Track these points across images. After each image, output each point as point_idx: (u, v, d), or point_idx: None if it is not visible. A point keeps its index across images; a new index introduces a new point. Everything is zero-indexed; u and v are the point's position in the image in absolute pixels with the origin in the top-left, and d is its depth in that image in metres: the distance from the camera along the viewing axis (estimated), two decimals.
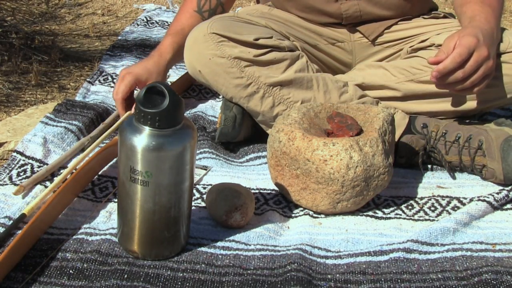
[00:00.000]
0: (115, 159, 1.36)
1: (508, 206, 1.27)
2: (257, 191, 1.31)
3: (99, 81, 1.87)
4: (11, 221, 1.13)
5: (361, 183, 1.20)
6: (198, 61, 1.42)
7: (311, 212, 1.25)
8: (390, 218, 1.25)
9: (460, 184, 1.36)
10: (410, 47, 1.52)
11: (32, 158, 1.35)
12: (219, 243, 1.12)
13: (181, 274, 1.03)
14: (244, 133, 1.50)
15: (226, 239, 1.14)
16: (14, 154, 1.36)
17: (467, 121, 1.45)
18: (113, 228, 1.13)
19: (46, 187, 1.26)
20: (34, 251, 1.06)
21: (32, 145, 1.38)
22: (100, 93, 1.79)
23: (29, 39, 2.10)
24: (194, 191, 1.28)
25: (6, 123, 1.53)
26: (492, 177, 1.35)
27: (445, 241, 1.15)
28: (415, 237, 1.14)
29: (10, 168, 1.32)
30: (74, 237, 1.11)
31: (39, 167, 1.33)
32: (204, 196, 1.28)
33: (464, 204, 1.28)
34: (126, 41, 2.26)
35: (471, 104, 1.44)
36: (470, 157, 1.37)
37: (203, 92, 1.85)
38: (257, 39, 1.40)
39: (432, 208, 1.28)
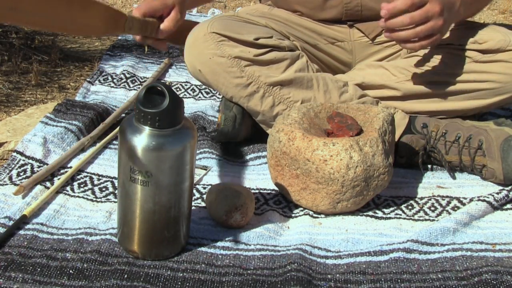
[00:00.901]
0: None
1: (508, 206, 1.27)
2: (257, 191, 1.31)
3: (99, 81, 1.87)
4: (11, 221, 1.13)
5: (361, 183, 1.20)
6: (198, 61, 1.42)
7: (311, 212, 1.25)
8: (390, 218, 1.25)
9: (460, 184, 1.36)
10: None
11: (32, 158, 1.35)
12: (219, 243, 1.12)
13: (181, 274, 1.03)
14: (244, 133, 1.50)
15: (226, 239, 1.14)
16: (14, 154, 1.36)
17: (467, 121, 1.45)
18: (113, 228, 1.13)
19: (46, 187, 1.26)
20: (34, 251, 1.06)
21: (32, 145, 1.38)
22: (100, 93, 1.79)
23: (29, 39, 2.10)
24: (194, 191, 1.28)
25: (6, 123, 1.53)
26: (492, 177, 1.35)
27: (445, 241, 1.15)
28: (415, 237, 1.14)
29: (10, 168, 1.32)
30: (74, 237, 1.11)
31: (39, 167, 1.33)
32: (204, 196, 1.28)
33: (464, 204, 1.28)
34: (126, 41, 2.26)
35: (471, 104, 1.44)
36: (470, 157, 1.37)
37: (203, 92, 1.85)
38: (257, 39, 1.40)
39: (432, 208, 1.28)
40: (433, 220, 1.24)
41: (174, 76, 1.96)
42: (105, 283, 0.99)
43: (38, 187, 1.25)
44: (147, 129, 0.99)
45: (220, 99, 1.61)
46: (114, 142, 1.48)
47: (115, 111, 1.62)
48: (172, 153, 1.01)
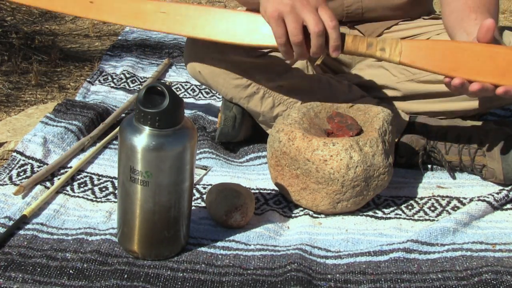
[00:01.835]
0: None
1: (508, 206, 1.27)
2: (257, 191, 1.31)
3: (99, 81, 1.87)
4: (11, 221, 1.13)
5: (361, 183, 1.20)
6: (197, 62, 1.42)
7: (311, 212, 1.25)
8: (390, 218, 1.25)
9: (460, 184, 1.36)
10: None
11: (32, 158, 1.35)
12: (219, 243, 1.12)
13: (181, 274, 1.03)
14: (244, 133, 1.50)
15: (226, 239, 1.14)
16: (14, 154, 1.36)
17: (467, 121, 1.45)
18: (113, 228, 1.13)
19: (46, 187, 1.26)
20: (34, 251, 1.06)
21: (32, 145, 1.38)
22: (100, 93, 1.79)
23: (29, 39, 2.10)
24: (194, 191, 1.28)
25: (6, 123, 1.53)
26: (492, 177, 1.35)
27: (445, 241, 1.15)
28: (415, 237, 1.14)
29: (10, 168, 1.32)
30: (74, 237, 1.11)
31: (39, 167, 1.33)
32: (204, 196, 1.28)
33: (464, 204, 1.28)
34: (126, 41, 2.27)
35: (471, 104, 1.44)
36: (470, 157, 1.37)
37: (203, 92, 1.85)
38: None
39: (432, 208, 1.28)
40: (433, 220, 1.24)
41: (174, 76, 1.96)
42: (105, 283, 0.99)
43: (38, 187, 1.25)
44: (147, 129, 0.99)
45: (220, 100, 1.61)
46: (114, 142, 1.48)
47: (115, 111, 1.62)
48: (172, 153, 1.01)
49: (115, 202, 1.24)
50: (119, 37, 2.32)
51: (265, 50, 1.40)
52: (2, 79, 1.85)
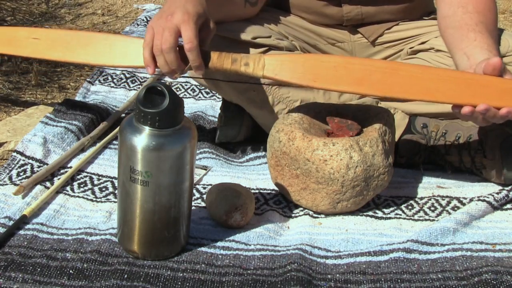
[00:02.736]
0: None
1: (508, 206, 1.27)
2: (257, 191, 1.31)
3: (99, 81, 1.87)
4: (11, 221, 1.13)
5: (361, 183, 1.20)
6: None
7: (311, 212, 1.25)
8: (390, 218, 1.25)
9: (460, 184, 1.36)
10: (410, 48, 1.52)
11: (32, 158, 1.35)
12: (219, 243, 1.12)
13: (181, 274, 1.03)
14: (244, 133, 1.49)
15: (226, 239, 1.14)
16: (14, 154, 1.36)
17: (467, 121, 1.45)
18: (113, 228, 1.13)
19: (46, 187, 1.26)
20: (34, 251, 1.06)
21: (32, 145, 1.38)
22: (100, 93, 1.79)
23: None
24: (194, 191, 1.28)
25: (6, 123, 1.53)
26: (492, 177, 1.35)
27: (445, 241, 1.15)
28: (415, 237, 1.14)
29: (10, 168, 1.32)
30: (74, 237, 1.11)
31: (39, 167, 1.33)
32: (204, 196, 1.28)
33: (464, 204, 1.28)
34: None
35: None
36: (470, 157, 1.37)
37: (203, 92, 1.85)
38: (255, 38, 1.40)
39: (432, 208, 1.28)
40: (433, 220, 1.24)
41: None
42: (105, 283, 0.99)
43: (38, 187, 1.25)
44: (147, 129, 0.99)
45: (220, 99, 1.61)
46: (114, 142, 1.48)
47: (115, 111, 1.62)
48: (172, 153, 1.01)
49: (115, 202, 1.24)
50: None
51: (263, 49, 1.40)
52: (2, 79, 1.85)
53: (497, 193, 1.28)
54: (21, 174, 1.30)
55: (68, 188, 1.28)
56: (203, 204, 1.25)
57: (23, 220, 1.14)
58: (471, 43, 1.21)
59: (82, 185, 1.30)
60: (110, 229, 1.13)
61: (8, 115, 1.64)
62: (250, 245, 1.13)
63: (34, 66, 1.89)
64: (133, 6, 2.82)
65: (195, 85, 1.87)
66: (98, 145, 1.44)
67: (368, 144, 1.20)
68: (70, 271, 1.02)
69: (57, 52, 1.34)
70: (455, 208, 1.27)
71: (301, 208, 1.27)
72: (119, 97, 1.78)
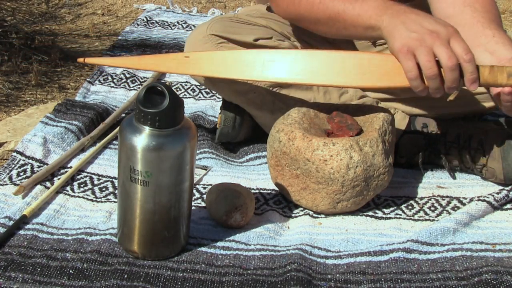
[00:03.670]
0: None
1: (508, 206, 1.27)
2: (257, 191, 1.31)
3: (99, 81, 1.87)
4: (11, 221, 1.13)
5: (361, 183, 1.20)
6: None
7: (311, 212, 1.25)
8: (390, 218, 1.25)
9: (460, 184, 1.36)
10: None
11: (32, 158, 1.35)
12: (219, 243, 1.12)
13: (181, 274, 1.03)
14: (244, 133, 1.49)
15: (226, 239, 1.14)
16: (14, 154, 1.36)
17: (467, 121, 1.45)
18: (113, 228, 1.13)
19: (46, 187, 1.26)
20: (34, 251, 1.06)
21: (32, 145, 1.38)
22: (100, 93, 1.79)
23: (29, 39, 2.10)
24: (194, 191, 1.28)
25: (6, 123, 1.53)
26: (492, 177, 1.35)
27: (445, 241, 1.15)
28: (415, 237, 1.14)
29: (10, 168, 1.32)
30: (74, 237, 1.11)
31: (39, 167, 1.33)
32: (204, 196, 1.28)
33: (464, 204, 1.28)
34: (126, 41, 2.27)
35: (471, 106, 1.44)
36: (470, 157, 1.37)
37: (203, 92, 1.85)
38: (256, 40, 1.40)
39: (432, 208, 1.28)
40: (433, 220, 1.24)
41: (174, 76, 1.96)
42: (105, 283, 0.99)
43: (38, 187, 1.25)
44: (147, 129, 0.99)
45: (220, 100, 1.61)
46: (114, 142, 1.48)
47: (115, 111, 1.62)
48: (172, 153, 1.01)
49: (115, 202, 1.24)
50: (119, 37, 2.32)
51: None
52: (2, 79, 1.85)
53: (497, 193, 1.28)
54: (21, 174, 1.30)
55: (68, 188, 1.28)
56: (203, 204, 1.25)
57: (23, 220, 1.14)
58: (490, 40, 1.19)
59: (82, 185, 1.30)
60: (110, 229, 1.13)
61: (8, 115, 1.64)
62: (250, 245, 1.13)
63: (34, 66, 1.89)
64: (133, 6, 2.82)
65: (195, 85, 1.87)
66: (98, 145, 1.44)
67: (368, 144, 1.20)
68: (70, 271, 1.02)
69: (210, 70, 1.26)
70: (455, 208, 1.27)
71: (301, 208, 1.27)
72: (119, 97, 1.78)
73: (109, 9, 2.76)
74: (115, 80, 1.88)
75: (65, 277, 1.01)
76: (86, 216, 1.20)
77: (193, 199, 1.16)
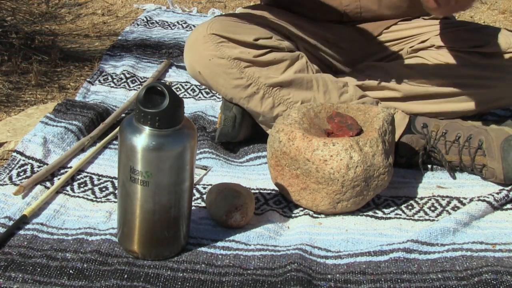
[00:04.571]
0: None
1: (508, 206, 1.27)
2: (257, 191, 1.31)
3: (99, 81, 1.87)
4: (11, 221, 1.13)
5: (361, 183, 1.20)
6: (198, 62, 1.42)
7: (311, 212, 1.25)
8: (390, 218, 1.25)
9: (460, 184, 1.36)
10: (410, 47, 1.52)
11: (32, 158, 1.35)
12: (219, 243, 1.12)
13: (181, 274, 1.03)
14: (244, 133, 1.50)
15: (226, 239, 1.14)
16: (14, 154, 1.36)
17: (467, 121, 1.45)
18: (113, 228, 1.13)
19: (46, 187, 1.26)
20: (34, 251, 1.06)
21: (32, 145, 1.38)
22: (100, 93, 1.79)
23: (29, 39, 2.10)
24: (194, 191, 1.28)
25: (6, 123, 1.53)
26: (492, 176, 1.35)
27: (445, 241, 1.15)
28: (415, 237, 1.14)
29: (10, 168, 1.32)
30: (74, 237, 1.11)
31: (39, 167, 1.33)
32: (204, 196, 1.28)
33: (464, 204, 1.28)
34: (126, 41, 2.27)
35: (470, 104, 1.45)
36: (470, 156, 1.37)
37: (203, 92, 1.85)
38: (256, 40, 1.40)
39: (432, 208, 1.28)
40: (433, 220, 1.24)
41: (174, 76, 1.96)
42: (105, 283, 0.99)
43: (38, 187, 1.25)
44: (147, 129, 0.99)
45: (220, 100, 1.61)
46: (114, 142, 1.48)
47: (115, 111, 1.62)
48: (172, 153, 1.00)
49: (115, 202, 1.24)
50: (119, 37, 2.32)
51: (265, 50, 1.40)
52: (2, 79, 1.85)
53: (497, 193, 1.28)
54: (21, 174, 1.30)
55: (68, 188, 1.28)
56: (203, 204, 1.25)
57: (23, 220, 1.14)
58: None
59: (82, 185, 1.30)
60: (110, 229, 1.13)
61: (8, 115, 1.64)
62: (250, 245, 1.13)
63: (34, 66, 1.89)
64: (133, 6, 2.82)
65: (195, 85, 1.87)
66: (98, 145, 1.44)
67: (368, 144, 1.20)
68: (70, 271, 1.02)
69: None
70: (455, 208, 1.27)
71: (301, 208, 1.27)
72: (119, 97, 1.78)
73: (109, 9, 2.76)
74: (115, 80, 1.88)
75: (65, 277, 1.01)
76: (86, 216, 1.20)
77: (193, 199, 1.16)
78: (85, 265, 1.03)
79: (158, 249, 1.06)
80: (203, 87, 1.86)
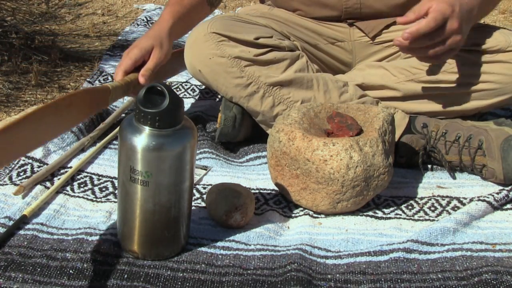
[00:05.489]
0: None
1: (508, 206, 1.27)
2: (257, 191, 1.31)
3: (99, 81, 1.87)
4: (11, 221, 1.13)
5: (361, 183, 1.20)
6: (198, 61, 1.42)
7: (311, 212, 1.25)
8: (390, 218, 1.25)
9: (460, 184, 1.36)
10: None
11: (32, 158, 1.35)
12: (219, 243, 1.12)
13: (181, 274, 1.03)
14: (244, 133, 1.49)
15: (226, 239, 1.14)
16: None
17: (467, 121, 1.45)
18: (113, 228, 1.13)
19: (46, 187, 1.26)
20: (34, 251, 1.06)
21: None
22: None
23: (29, 39, 2.10)
24: (194, 191, 1.28)
25: (6, 123, 1.53)
26: (492, 176, 1.35)
27: (445, 241, 1.15)
28: (415, 237, 1.14)
29: (10, 168, 1.32)
30: (74, 237, 1.11)
31: (39, 167, 1.33)
32: (204, 196, 1.28)
33: (464, 204, 1.28)
34: (126, 41, 2.27)
35: (470, 104, 1.44)
36: (470, 156, 1.37)
37: (203, 92, 1.85)
38: (257, 39, 1.40)
39: (432, 208, 1.28)
40: (433, 220, 1.24)
41: (174, 76, 1.96)
42: (105, 283, 0.99)
43: (38, 187, 1.25)
44: (147, 129, 0.99)
45: (220, 100, 1.61)
46: (114, 142, 1.48)
47: (115, 111, 1.62)
48: (172, 153, 1.00)
49: (115, 202, 1.24)
50: (119, 37, 2.32)
51: (265, 49, 1.40)
52: (2, 79, 1.85)
53: (497, 193, 1.28)
54: (21, 174, 1.30)
55: (68, 188, 1.28)
56: (203, 204, 1.25)
57: (23, 220, 1.14)
58: None
59: (82, 185, 1.30)
60: (110, 229, 1.13)
61: (8, 115, 1.64)
62: (250, 245, 1.13)
63: (34, 66, 1.89)
64: (133, 6, 2.82)
65: (195, 85, 1.87)
66: (98, 145, 1.44)
67: (368, 144, 1.20)
68: (70, 271, 1.02)
69: None
70: (455, 208, 1.27)
71: (301, 208, 1.27)
72: None
73: (109, 9, 2.76)
74: None
75: (65, 277, 1.01)
76: (86, 216, 1.20)
77: (193, 199, 1.16)
78: (85, 265, 1.03)
79: (158, 249, 1.06)
80: (203, 87, 1.86)
